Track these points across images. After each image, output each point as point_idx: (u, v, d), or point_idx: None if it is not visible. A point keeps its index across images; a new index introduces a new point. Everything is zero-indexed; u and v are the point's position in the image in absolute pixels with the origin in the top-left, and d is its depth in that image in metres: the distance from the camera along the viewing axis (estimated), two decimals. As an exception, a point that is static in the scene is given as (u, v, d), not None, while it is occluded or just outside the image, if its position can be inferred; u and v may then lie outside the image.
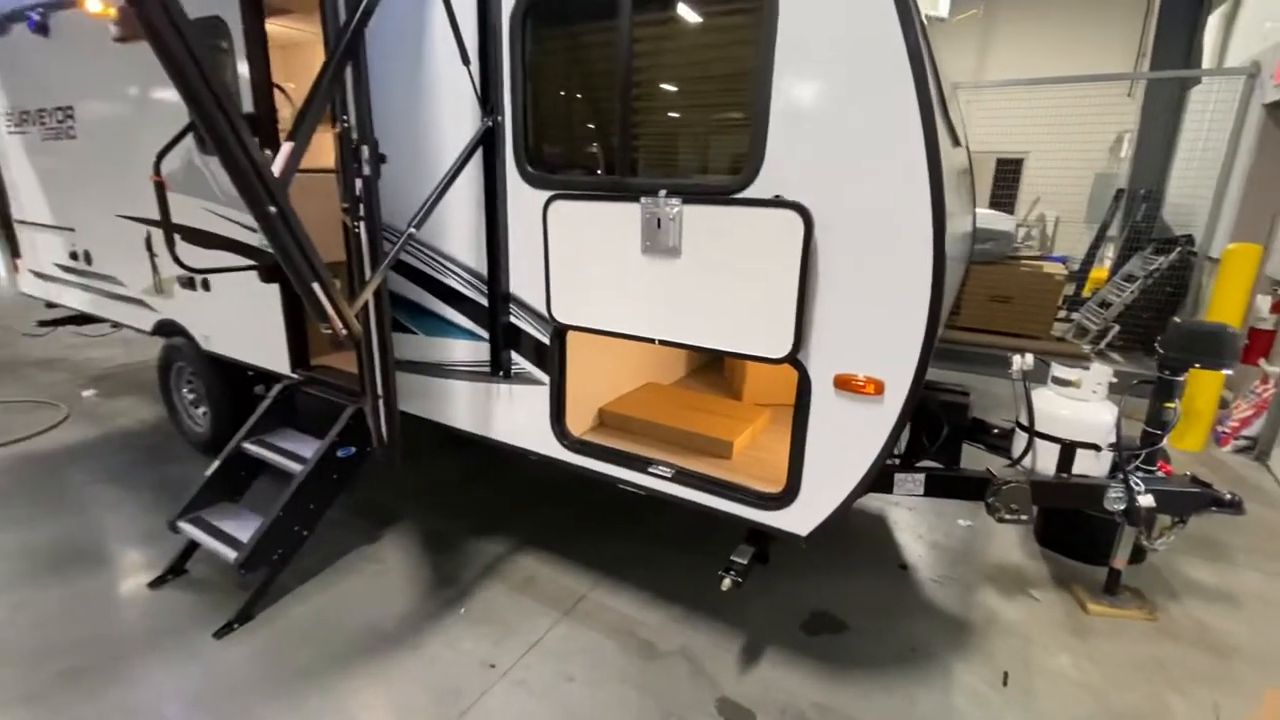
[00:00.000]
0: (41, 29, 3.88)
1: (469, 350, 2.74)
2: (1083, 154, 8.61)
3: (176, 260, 3.01)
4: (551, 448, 2.64)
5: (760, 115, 1.88)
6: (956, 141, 2.85)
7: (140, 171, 3.55)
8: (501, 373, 2.66)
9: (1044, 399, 2.83)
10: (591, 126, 2.38)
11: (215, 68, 3.09)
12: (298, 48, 4.76)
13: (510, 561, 3.18)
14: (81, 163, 4.12)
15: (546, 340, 2.52)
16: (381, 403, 2.45)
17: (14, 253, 5.11)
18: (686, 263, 2.06)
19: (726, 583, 2.30)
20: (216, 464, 3.15)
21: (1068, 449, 2.73)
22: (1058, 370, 2.85)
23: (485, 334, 2.66)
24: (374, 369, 2.39)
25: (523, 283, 2.51)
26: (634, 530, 3.47)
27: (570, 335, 2.49)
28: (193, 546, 3.00)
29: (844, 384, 1.96)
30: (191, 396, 4.33)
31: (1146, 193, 7.70)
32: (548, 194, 2.29)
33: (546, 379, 2.57)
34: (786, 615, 2.85)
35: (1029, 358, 2.82)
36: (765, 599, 2.94)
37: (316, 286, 1.81)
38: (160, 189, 2.81)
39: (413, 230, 2.24)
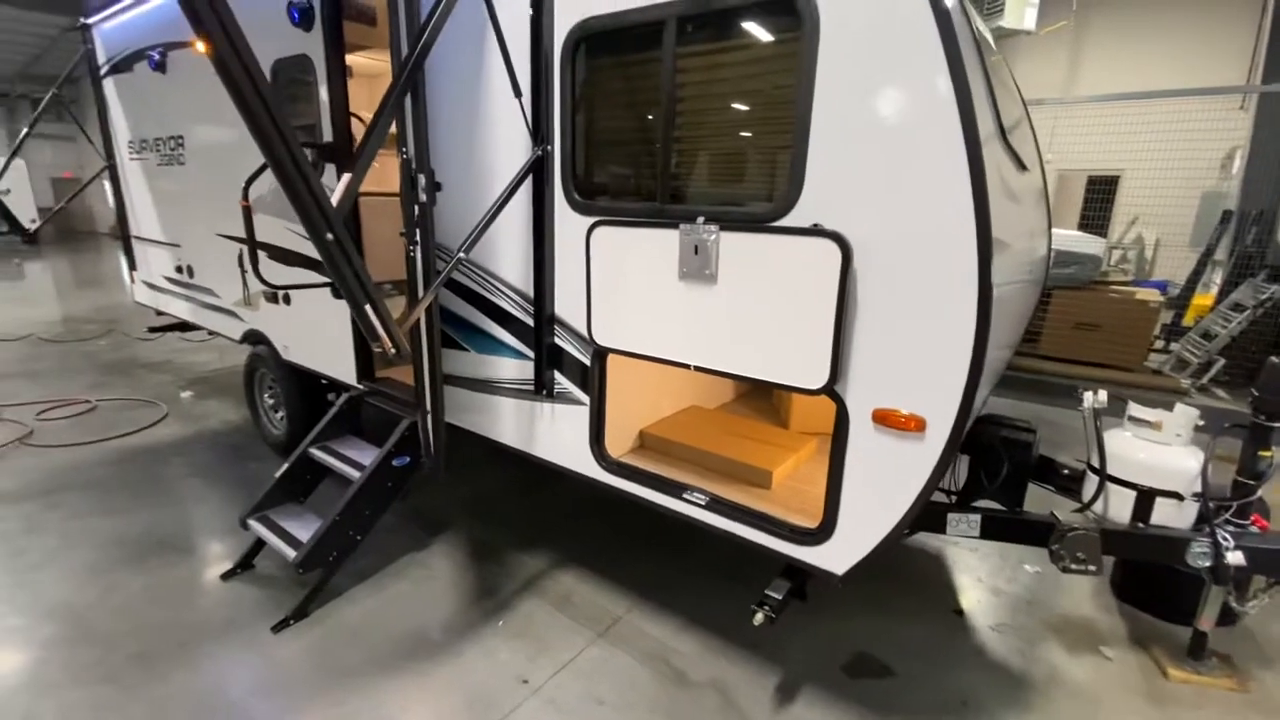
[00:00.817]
0: (160, 67, 4.34)
1: (516, 369, 2.82)
2: (1187, 171, 7.96)
3: (258, 276, 3.27)
4: (590, 468, 2.67)
5: (799, 144, 1.86)
6: (1022, 166, 2.71)
7: (234, 195, 3.90)
8: (545, 392, 2.72)
9: (1120, 440, 2.62)
10: (634, 155, 2.42)
11: (301, 99, 3.39)
12: (382, 78, 5.09)
13: (550, 577, 3.23)
14: (189, 186, 4.55)
15: (588, 362, 2.56)
16: (429, 415, 2.56)
17: (131, 265, 5.69)
18: (723, 289, 2.06)
19: (759, 617, 2.24)
20: (285, 467, 3.37)
21: (1145, 496, 2.51)
22: (1135, 410, 2.63)
23: (531, 353, 2.73)
24: (423, 383, 2.50)
25: (567, 305, 2.57)
26: (676, 554, 3.44)
27: (611, 357, 2.52)
28: (261, 543, 3.22)
29: (883, 419, 1.89)
30: (271, 401, 4.66)
31: (1259, 213, 7.03)
32: (591, 220, 2.34)
33: (587, 400, 2.61)
34: (827, 654, 2.74)
35: (1101, 394, 2.63)
36: (806, 635, 2.84)
37: (367, 307, 1.93)
38: (247, 213, 3.06)
39: (461, 254, 2.34)
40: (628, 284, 2.30)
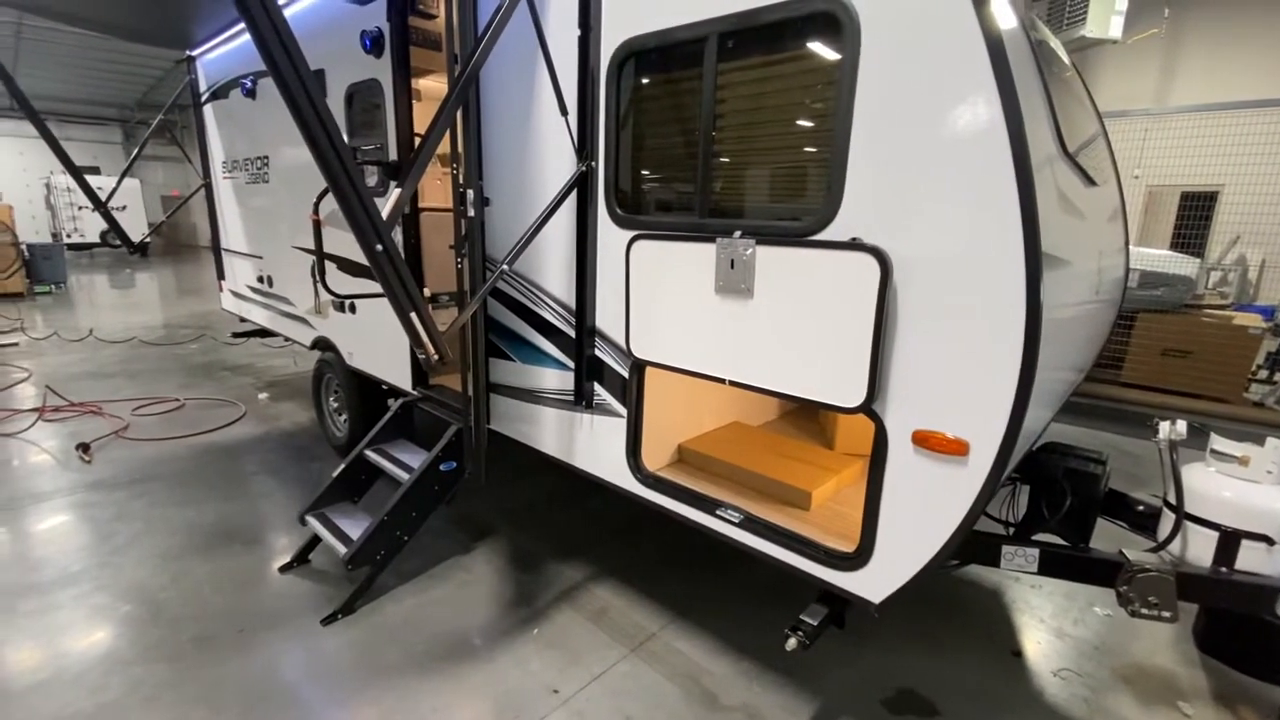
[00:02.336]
0: (251, 93, 4.71)
1: (558, 379, 2.87)
2: (1298, 186, 7.29)
3: (325, 286, 3.46)
4: (626, 480, 2.67)
5: (838, 158, 1.83)
6: (1091, 181, 2.56)
7: (309, 210, 4.16)
8: (584, 403, 2.75)
9: (1202, 476, 2.41)
10: (675, 169, 2.44)
11: (370, 124, 3.60)
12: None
13: (587, 589, 3.23)
14: (271, 202, 4.90)
15: (626, 374, 2.58)
16: (473, 421, 2.63)
17: (220, 275, 6.16)
18: (759, 304, 2.03)
19: (791, 642, 2.16)
20: (341, 467, 3.54)
21: (1229, 538, 2.28)
22: (1218, 443, 2.41)
23: (572, 365, 2.77)
24: (466, 390, 2.58)
25: (607, 318, 2.60)
26: (716, 574, 3.39)
27: (650, 370, 2.53)
28: (317, 539, 3.38)
29: (923, 441, 1.81)
30: (336, 405, 4.90)
31: (1384, 233, 6.34)
32: (631, 233, 2.37)
33: (625, 412, 2.62)
34: (869, 687, 2.62)
35: (1180, 424, 2.42)
36: (847, 666, 2.72)
37: (412, 314, 2.01)
38: (316, 226, 3.26)
39: (505, 267, 2.42)
40: (665, 297, 2.31)
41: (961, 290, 1.67)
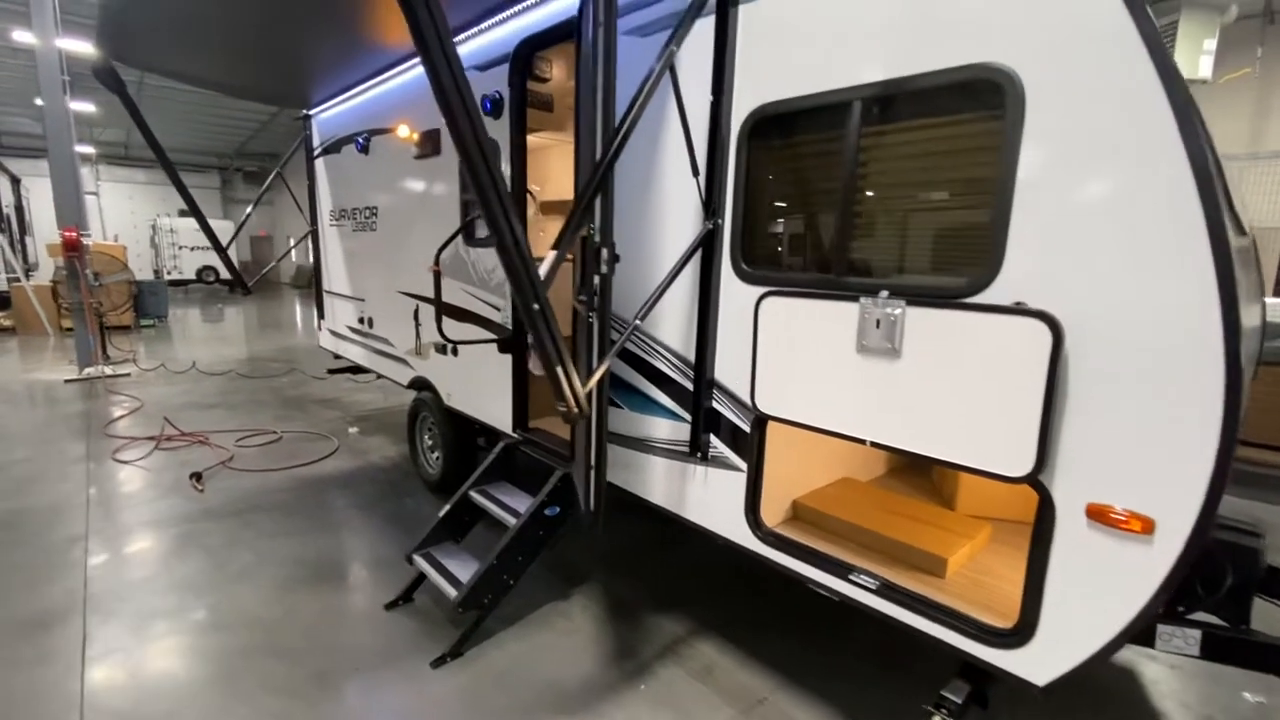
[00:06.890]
0: (364, 149, 5.04)
1: (669, 429, 2.88)
2: None
3: (443, 334, 3.61)
4: (744, 536, 2.62)
5: (999, 220, 1.80)
6: (1241, 230, 2.44)
7: (416, 258, 4.38)
8: (699, 454, 2.74)
9: (1388, 558, 2.19)
10: (810, 228, 2.46)
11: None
12: (542, 150, 5.59)
13: (690, 644, 3.16)
14: (377, 249, 5.19)
15: (746, 427, 2.56)
16: (592, 473, 2.65)
17: (320, 315, 6.51)
18: (908, 365, 2.00)
19: (936, 720, 2.05)
20: (447, 508, 3.61)
21: None
22: None
23: (686, 415, 2.78)
24: (589, 440, 2.61)
25: (727, 371, 2.60)
26: (823, 635, 3.26)
27: (770, 425, 2.51)
28: (421, 578, 3.44)
29: (1099, 515, 1.71)
30: (430, 443, 5.05)
31: None
32: (761, 290, 2.38)
33: (743, 465, 2.60)
34: (1005, 772, 2.44)
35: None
36: (977, 746, 2.55)
37: (558, 369, 2.07)
38: (437, 277, 3.43)
39: (638, 321, 2.46)
40: (797, 353, 2.30)
41: (1150, 356, 1.60)
